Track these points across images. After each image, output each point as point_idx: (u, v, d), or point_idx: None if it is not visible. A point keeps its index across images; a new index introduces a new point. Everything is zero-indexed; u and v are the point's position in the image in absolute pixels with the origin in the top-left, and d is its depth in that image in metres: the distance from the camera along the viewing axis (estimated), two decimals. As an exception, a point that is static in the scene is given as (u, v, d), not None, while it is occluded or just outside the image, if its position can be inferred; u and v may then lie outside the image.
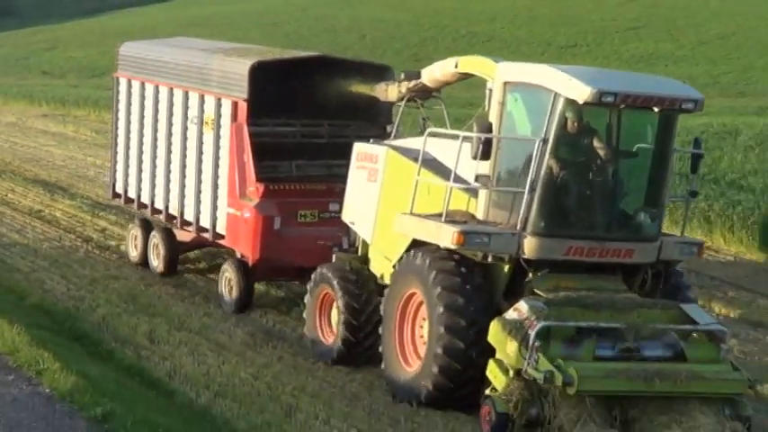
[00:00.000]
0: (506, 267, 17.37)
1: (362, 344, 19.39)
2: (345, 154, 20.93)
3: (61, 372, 15.82)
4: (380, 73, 22.74)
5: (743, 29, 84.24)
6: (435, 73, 19.99)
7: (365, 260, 19.90)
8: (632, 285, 17.77)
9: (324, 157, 22.81)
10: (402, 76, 20.85)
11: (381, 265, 19.33)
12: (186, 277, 25.94)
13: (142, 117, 25.86)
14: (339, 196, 20.95)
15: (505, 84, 17.64)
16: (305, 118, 22.99)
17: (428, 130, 18.73)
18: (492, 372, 16.21)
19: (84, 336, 20.43)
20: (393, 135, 21.11)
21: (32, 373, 15.98)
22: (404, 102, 20.90)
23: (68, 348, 18.56)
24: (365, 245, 19.99)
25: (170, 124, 24.70)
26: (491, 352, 16.37)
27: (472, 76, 19.33)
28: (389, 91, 21.33)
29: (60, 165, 41.71)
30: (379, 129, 22.39)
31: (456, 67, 19.39)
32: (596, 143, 17.41)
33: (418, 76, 20.34)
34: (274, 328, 22.26)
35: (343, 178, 20.79)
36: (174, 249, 25.04)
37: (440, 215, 17.42)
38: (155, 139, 25.33)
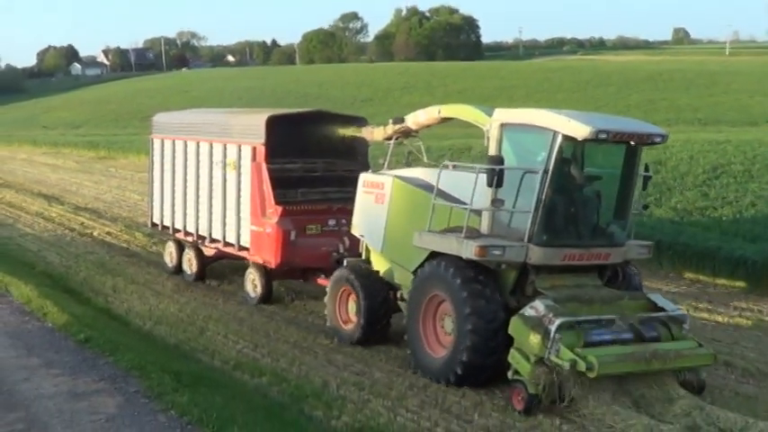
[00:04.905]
0: (513, 272, 13.48)
1: (377, 328, 15.76)
2: (335, 183, 18.58)
3: (58, 313, 15.66)
4: (359, 121, 18.95)
5: (475, 86, 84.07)
6: (419, 118, 15.92)
7: (368, 263, 16.17)
8: (602, 281, 14.09)
9: (319, 185, 19.07)
10: (390, 121, 16.80)
11: (387, 268, 15.67)
12: (135, 250, 24.59)
13: (174, 166, 21.48)
14: (335, 214, 17.98)
15: (502, 125, 13.59)
16: (305, 157, 19.12)
17: (443, 163, 14.69)
18: (514, 358, 12.51)
19: (71, 290, 19.62)
20: (385, 166, 16.81)
21: (40, 314, 15.77)
22: (393, 140, 16.75)
23: (62, 298, 17.81)
24: (368, 251, 16.24)
25: (198, 169, 20.48)
26: (507, 341, 12.81)
27: (451, 119, 15.44)
28: (375, 133, 17.38)
29: (54, 184, 40.18)
30: (357, 164, 18.63)
31: (439, 113, 15.46)
32: (574, 171, 13.51)
33: (403, 120, 16.47)
34: (192, 281, 20.89)
35: (335, 201, 18.11)
36: (203, 261, 21.04)
37: (452, 231, 13.77)
38: (185, 181, 21.08)
